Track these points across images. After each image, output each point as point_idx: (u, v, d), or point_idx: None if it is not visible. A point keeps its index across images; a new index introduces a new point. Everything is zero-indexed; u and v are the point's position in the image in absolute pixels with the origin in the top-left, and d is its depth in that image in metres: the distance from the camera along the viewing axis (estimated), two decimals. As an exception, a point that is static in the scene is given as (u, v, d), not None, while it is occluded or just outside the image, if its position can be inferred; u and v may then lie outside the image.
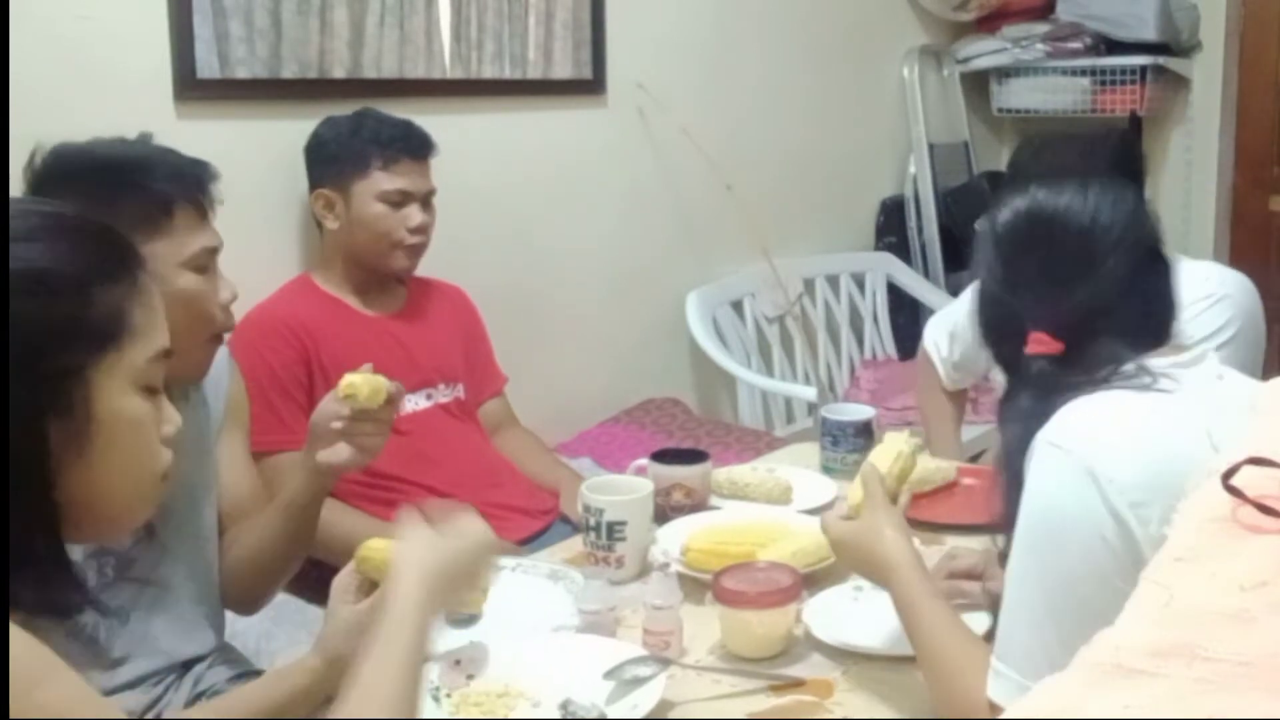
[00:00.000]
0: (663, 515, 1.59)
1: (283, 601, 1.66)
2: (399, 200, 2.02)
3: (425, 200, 2.06)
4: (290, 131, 2.09)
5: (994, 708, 0.99)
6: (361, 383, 1.30)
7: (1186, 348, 1.08)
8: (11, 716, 0.71)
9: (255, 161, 2.10)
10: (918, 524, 1.60)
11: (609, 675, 1.15)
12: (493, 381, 2.25)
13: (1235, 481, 0.72)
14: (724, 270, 3.01)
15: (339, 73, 2.22)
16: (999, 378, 2.01)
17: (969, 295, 2.10)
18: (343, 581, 1.18)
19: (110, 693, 1.30)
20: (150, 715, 1.34)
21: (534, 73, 2.54)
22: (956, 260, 3.56)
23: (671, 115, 2.74)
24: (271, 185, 2.12)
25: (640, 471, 1.63)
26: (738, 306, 3.05)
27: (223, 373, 1.50)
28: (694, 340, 2.89)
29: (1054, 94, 3.53)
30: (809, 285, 3.22)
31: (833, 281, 3.31)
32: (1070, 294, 1.05)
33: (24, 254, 0.82)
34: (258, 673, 1.48)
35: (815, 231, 3.33)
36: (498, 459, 2.14)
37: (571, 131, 2.66)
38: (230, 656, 1.51)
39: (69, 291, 0.83)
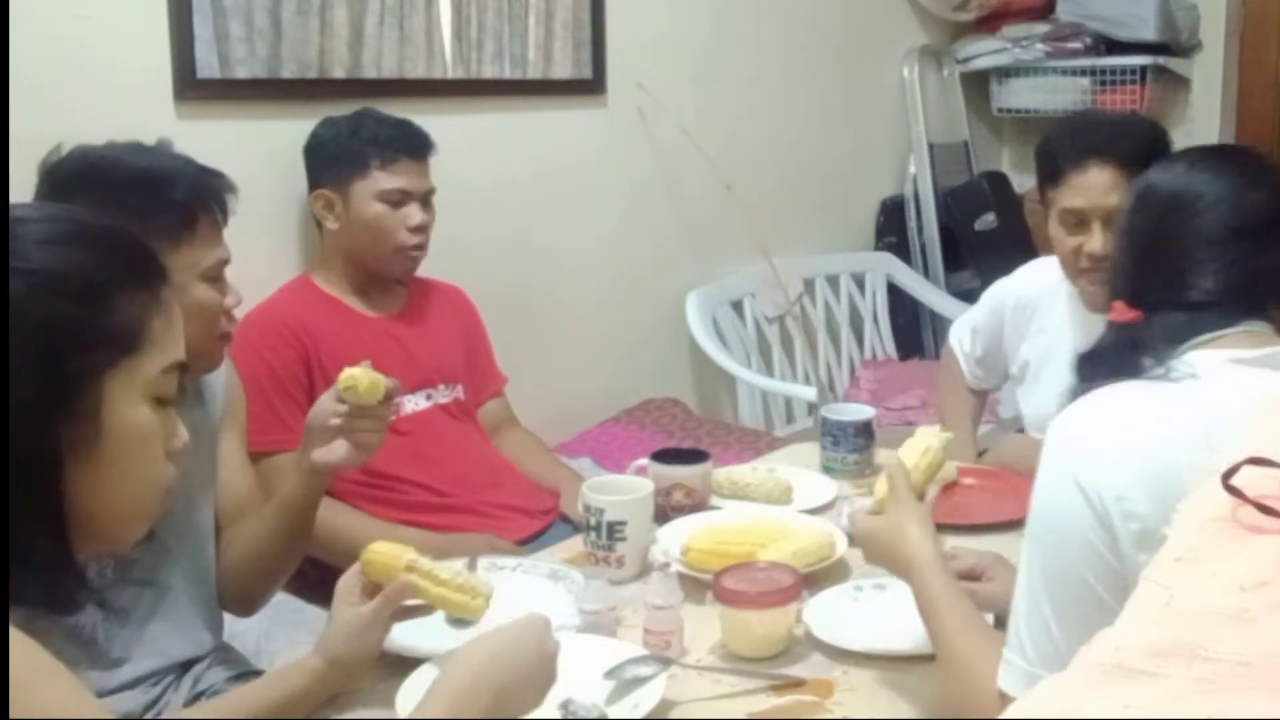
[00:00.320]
0: (663, 515, 1.59)
1: (282, 601, 1.66)
2: (398, 200, 2.01)
3: (425, 199, 2.06)
4: (290, 131, 2.09)
5: (1004, 697, 0.99)
6: (361, 375, 1.30)
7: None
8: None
9: (255, 161, 2.09)
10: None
11: (610, 675, 1.16)
12: (492, 382, 2.25)
13: (1235, 481, 0.72)
14: (724, 270, 3.01)
15: (339, 73, 2.22)
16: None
17: (990, 293, 2.11)
18: (347, 583, 1.18)
19: (109, 693, 1.31)
20: (150, 715, 1.34)
21: (534, 73, 2.54)
22: (956, 260, 3.57)
23: (671, 115, 2.74)
24: (271, 185, 2.12)
25: (641, 471, 1.64)
26: (738, 306, 3.05)
27: (221, 372, 1.50)
28: (694, 340, 2.89)
29: (1054, 94, 3.53)
30: (809, 285, 3.22)
31: (833, 281, 3.31)
32: (1147, 264, 1.05)
33: (48, 255, 0.83)
34: (257, 673, 1.48)
35: (815, 231, 3.33)
36: (498, 459, 2.14)
37: (571, 131, 2.66)
38: (229, 656, 1.51)
39: (90, 296, 0.84)
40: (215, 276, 1.35)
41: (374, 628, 1.16)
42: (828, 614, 1.32)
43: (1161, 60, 3.47)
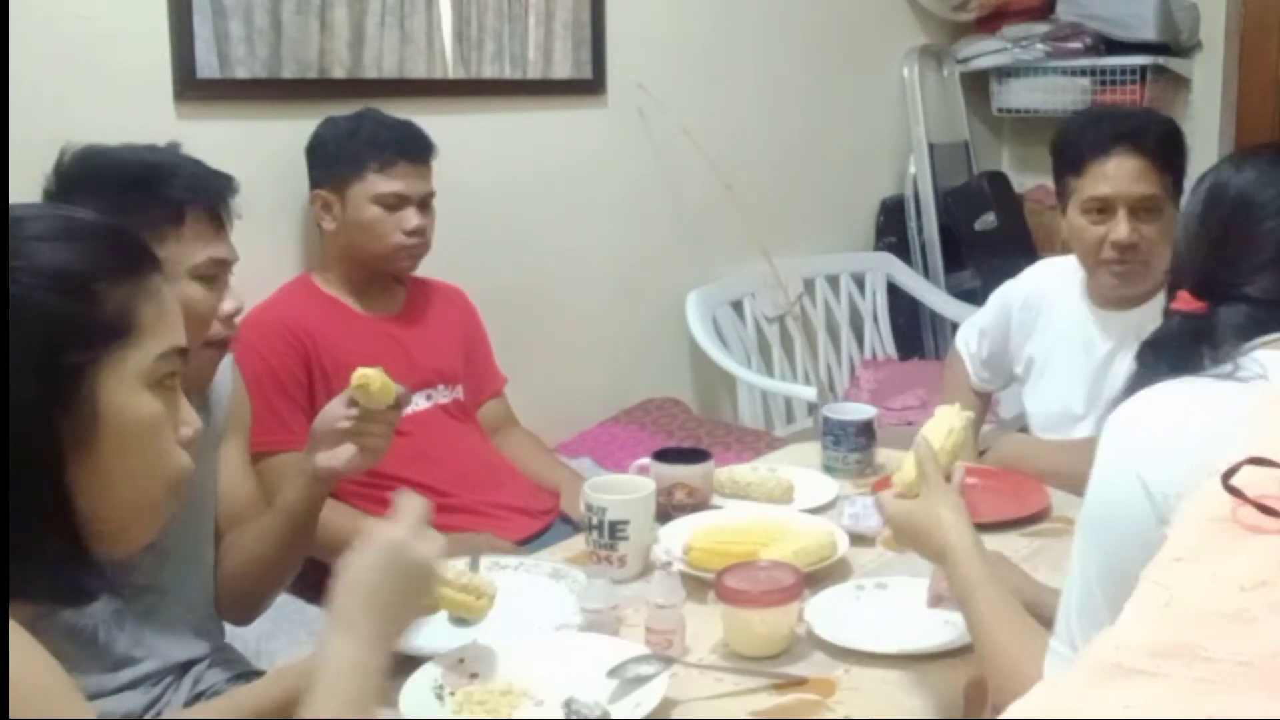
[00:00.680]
0: (665, 514, 1.59)
1: (283, 601, 1.66)
2: (394, 203, 2.01)
3: (423, 203, 2.05)
4: (290, 131, 2.09)
5: None
6: (374, 375, 1.31)
7: None
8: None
9: (255, 161, 2.09)
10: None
11: (612, 674, 1.16)
12: (492, 382, 2.25)
13: (1235, 481, 0.72)
14: (724, 270, 3.01)
15: (339, 73, 2.22)
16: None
17: (997, 295, 2.11)
18: None
19: (110, 693, 1.31)
20: (150, 715, 1.34)
21: (534, 73, 2.55)
22: (956, 260, 3.57)
23: (671, 115, 2.74)
24: (271, 185, 2.12)
25: (642, 471, 1.64)
26: (738, 306, 3.05)
27: (225, 377, 1.50)
28: (694, 340, 2.89)
29: (1054, 94, 3.54)
30: (809, 285, 3.22)
31: (833, 281, 3.31)
32: (1217, 257, 1.03)
33: (34, 252, 0.83)
34: (257, 673, 1.48)
35: (815, 231, 3.33)
36: (498, 459, 2.14)
37: (571, 131, 2.66)
38: (229, 657, 1.51)
39: (75, 289, 0.84)
40: (207, 276, 1.34)
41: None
42: (829, 613, 1.32)
43: (1161, 60, 3.47)
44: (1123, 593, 0.94)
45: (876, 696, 1.19)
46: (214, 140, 2.02)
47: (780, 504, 1.69)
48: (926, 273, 3.52)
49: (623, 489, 1.52)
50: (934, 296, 3.45)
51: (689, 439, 2.55)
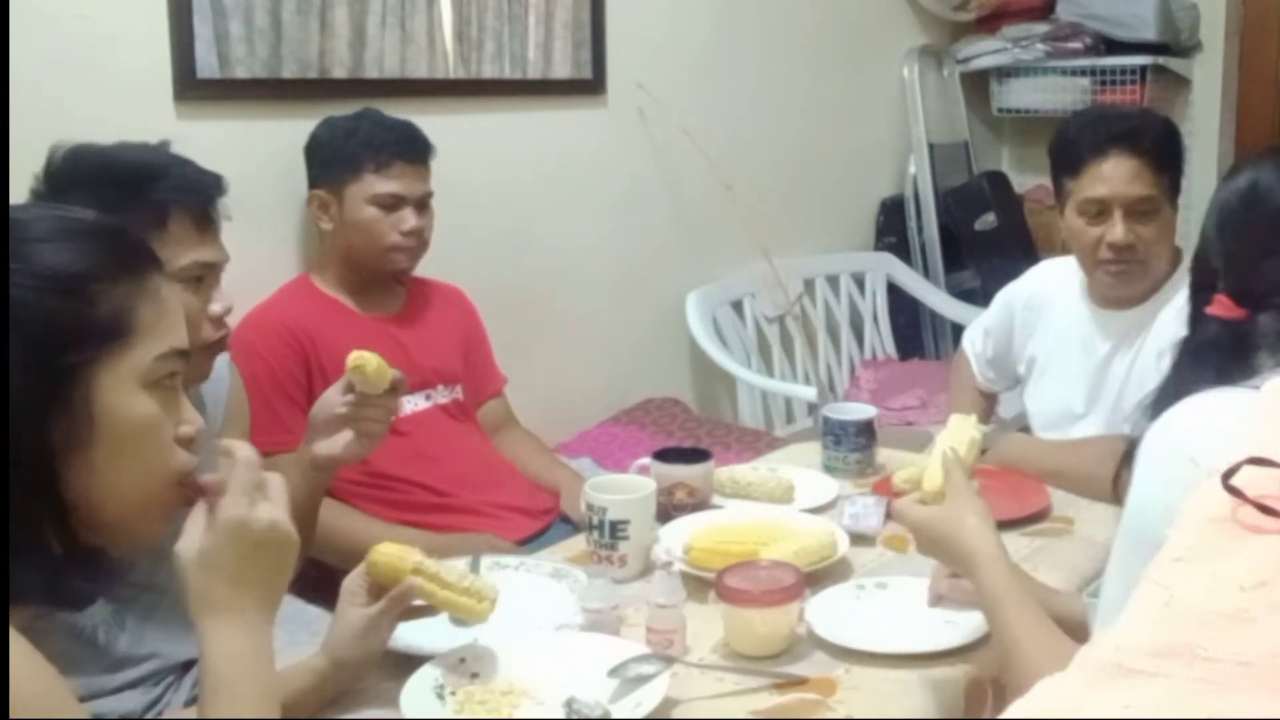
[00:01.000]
0: (665, 514, 1.60)
1: (283, 601, 1.66)
2: (391, 204, 2.01)
3: (420, 203, 2.05)
4: (290, 131, 2.09)
5: None
6: (370, 356, 1.30)
7: None
8: None
9: (255, 161, 2.10)
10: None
11: (613, 673, 1.16)
12: (492, 382, 2.25)
13: (1235, 481, 0.72)
14: (724, 270, 3.02)
15: (339, 73, 2.22)
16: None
17: (1001, 295, 2.12)
18: (352, 584, 1.18)
19: (111, 693, 1.31)
20: (150, 715, 1.34)
21: (534, 73, 2.55)
22: (956, 260, 3.57)
23: (671, 115, 2.74)
24: (271, 185, 2.12)
25: (643, 470, 1.64)
26: (738, 306, 3.05)
27: (222, 378, 1.49)
28: (694, 340, 2.89)
29: (1054, 94, 3.54)
30: (809, 285, 3.22)
31: (833, 281, 3.31)
32: (1262, 264, 1.01)
33: (31, 254, 0.83)
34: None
35: (815, 231, 3.33)
36: (498, 459, 2.14)
37: (571, 131, 2.66)
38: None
39: (72, 290, 0.84)
40: (193, 279, 1.33)
41: (379, 629, 1.17)
42: (830, 613, 1.32)
43: (1161, 60, 3.47)
44: None
45: (877, 696, 1.19)
46: (214, 140, 2.03)
47: (780, 504, 1.69)
48: (926, 273, 3.52)
49: (623, 489, 1.52)
50: (934, 296, 3.45)
51: (689, 439, 2.56)
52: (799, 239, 3.22)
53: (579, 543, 1.59)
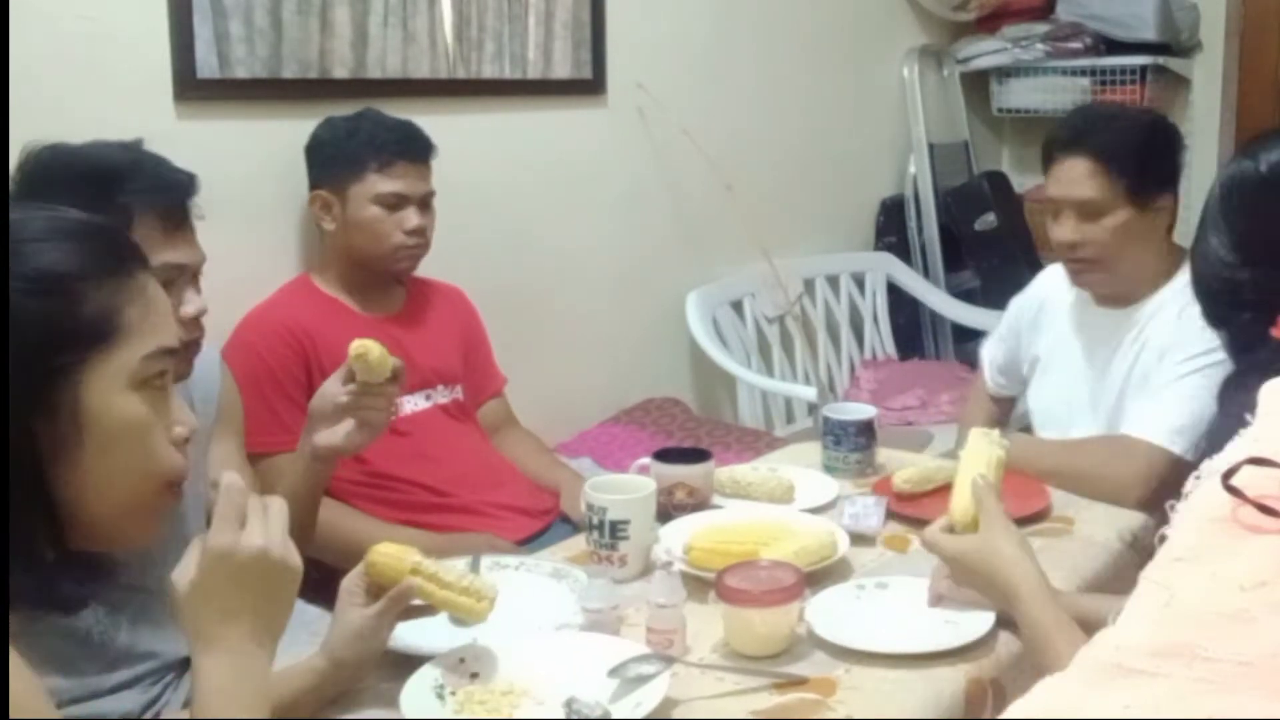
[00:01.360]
0: (665, 514, 1.59)
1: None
2: (394, 203, 2.01)
3: (423, 203, 2.05)
4: (290, 131, 2.09)
5: None
6: (372, 344, 1.30)
7: None
8: None
9: (255, 161, 2.10)
10: (918, 523, 1.61)
11: (613, 673, 1.16)
12: (492, 382, 2.25)
13: (1235, 481, 0.72)
14: (724, 270, 3.02)
15: (340, 72, 2.22)
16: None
17: (1012, 302, 2.12)
18: (351, 585, 1.18)
19: (108, 692, 1.30)
20: (149, 715, 1.34)
21: (534, 73, 2.55)
22: (956, 260, 3.57)
23: (671, 115, 2.74)
24: (271, 185, 2.12)
25: (643, 470, 1.64)
26: (738, 306, 3.05)
27: (212, 377, 1.49)
28: (694, 340, 2.89)
29: (1054, 94, 3.54)
30: (809, 285, 3.22)
31: (833, 281, 3.31)
32: None
33: (18, 254, 0.82)
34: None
35: (815, 231, 3.33)
36: (498, 459, 2.15)
37: (571, 131, 2.66)
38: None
39: (59, 292, 0.83)
40: (162, 282, 1.32)
41: (378, 629, 1.17)
42: (830, 613, 1.32)
43: (1161, 60, 3.47)
44: None
45: (877, 696, 1.19)
46: (214, 140, 2.03)
47: (781, 504, 1.69)
48: (926, 273, 3.52)
49: (623, 489, 1.52)
50: (934, 296, 3.45)
51: (689, 439, 2.56)
52: (799, 239, 3.22)
53: (579, 543, 1.59)
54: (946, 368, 3.32)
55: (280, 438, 1.89)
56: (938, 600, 1.34)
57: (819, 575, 1.42)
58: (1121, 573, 1.51)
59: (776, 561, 1.34)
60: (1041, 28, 3.57)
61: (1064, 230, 1.80)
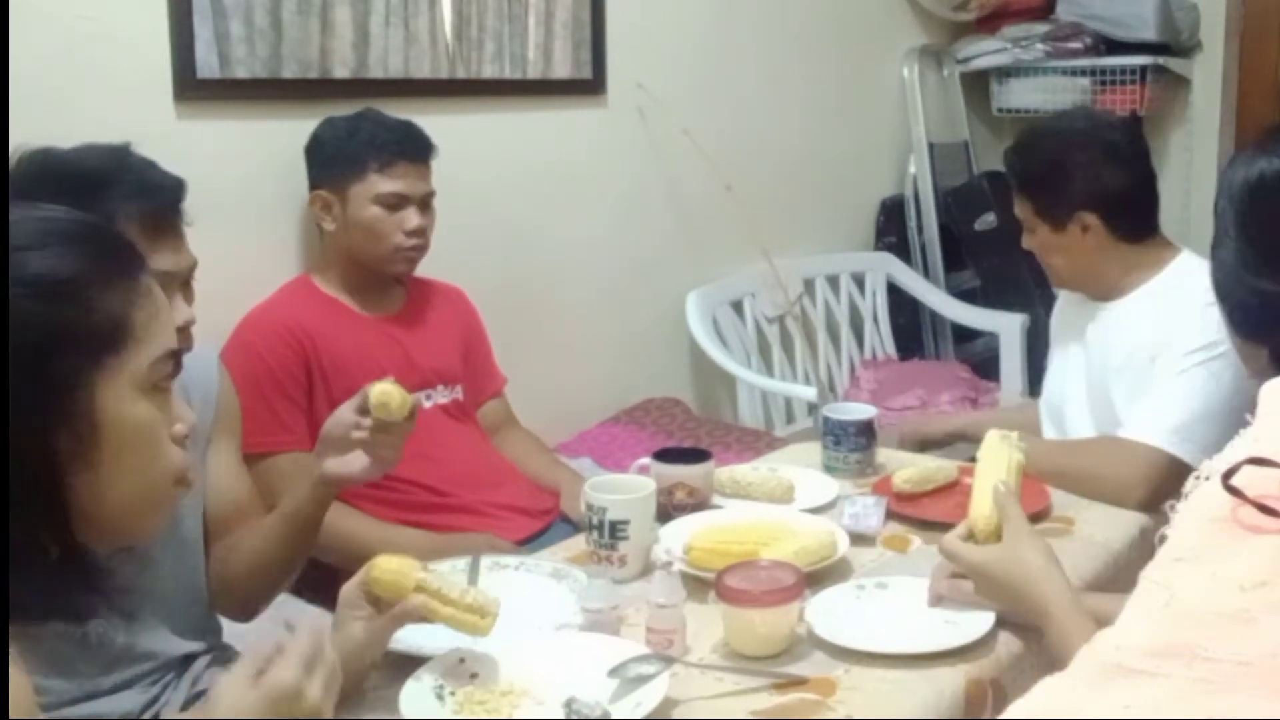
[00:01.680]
0: (665, 514, 1.59)
1: (282, 601, 1.66)
2: (395, 203, 2.01)
3: (423, 203, 2.05)
4: (290, 131, 2.09)
5: None
6: (393, 391, 1.28)
7: None
8: None
9: (255, 161, 2.10)
10: (918, 523, 1.61)
11: (613, 673, 1.16)
12: (492, 382, 2.25)
13: (1235, 481, 0.72)
14: (724, 270, 3.02)
15: (341, 72, 2.22)
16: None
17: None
18: (351, 596, 1.16)
19: (106, 693, 1.30)
20: (149, 715, 1.34)
21: (534, 73, 2.55)
22: (956, 260, 3.57)
23: (671, 115, 2.74)
24: (271, 185, 2.12)
25: (643, 470, 1.64)
26: (738, 306, 3.05)
27: (211, 380, 1.48)
28: (694, 340, 2.89)
29: (1054, 94, 3.54)
30: (809, 285, 3.22)
31: (833, 281, 3.31)
32: None
33: (21, 261, 0.81)
34: (258, 672, 1.48)
35: (815, 231, 3.33)
36: (498, 459, 2.14)
37: (571, 131, 2.66)
38: (230, 656, 1.50)
39: (69, 297, 0.82)
40: None
41: (381, 643, 1.17)
42: (830, 613, 1.32)
43: (1161, 60, 3.47)
44: None
45: (877, 696, 1.19)
46: (214, 140, 2.03)
47: (781, 504, 1.69)
48: (926, 273, 3.52)
49: (623, 489, 1.52)
50: (934, 296, 3.45)
51: (689, 439, 2.56)
52: (799, 239, 3.22)
53: (579, 543, 1.59)
54: (946, 368, 3.32)
55: (280, 438, 1.89)
56: (938, 600, 1.34)
57: (819, 575, 1.42)
58: (1121, 573, 1.51)
59: (776, 561, 1.34)
60: (1041, 28, 3.57)
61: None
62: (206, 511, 1.45)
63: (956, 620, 1.29)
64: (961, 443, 2.12)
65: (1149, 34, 3.42)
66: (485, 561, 1.46)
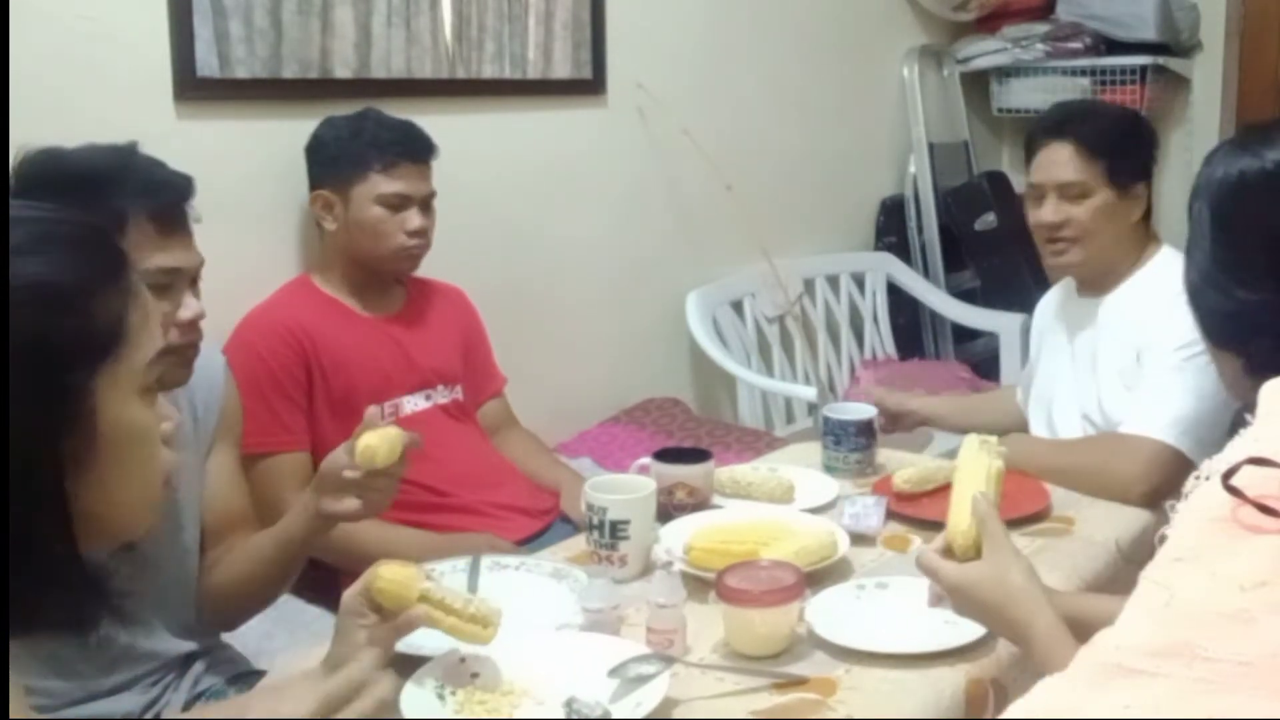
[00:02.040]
0: (665, 514, 1.59)
1: (283, 601, 1.66)
2: (397, 204, 2.01)
3: (425, 203, 2.05)
4: (290, 131, 2.09)
5: None
6: (379, 444, 1.27)
7: None
8: None
9: (255, 161, 2.10)
10: (918, 523, 1.61)
11: (613, 673, 1.16)
12: (492, 382, 2.25)
13: (1235, 481, 0.72)
14: (724, 270, 3.02)
15: (343, 72, 2.22)
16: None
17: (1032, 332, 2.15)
18: (353, 604, 1.15)
19: (105, 694, 1.31)
20: (149, 715, 1.34)
21: (534, 73, 2.55)
22: (956, 260, 3.57)
23: (671, 115, 2.74)
24: (271, 185, 2.12)
25: (643, 470, 1.64)
26: (738, 306, 3.05)
27: (216, 383, 1.48)
28: (694, 340, 2.90)
29: (1054, 94, 3.53)
30: (809, 285, 3.22)
31: (833, 281, 3.31)
32: None
33: (19, 265, 0.79)
34: (258, 673, 1.48)
35: (815, 231, 3.33)
36: (498, 459, 2.15)
37: (571, 131, 2.66)
38: (229, 656, 1.51)
39: (69, 304, 0.81)
40: (157, 285, 1.31)
41: (384, 651, 1.17)
42: (830, 613, 1.32)
43: (1161, 60, 3.47)
44: None
45: (877, 696, 1.19)
46: (214, 140, 2.03)
47: (781, 504, 1.69)
48: (926, 273, 3.52)
49: (623, 489, 1.52)
50: (934, 296, 3.46)
51: (689, 439, 2.56)
52: (799, 239, 3.22)
53: (579, 543, 1.59)
54: (946, 368, 3.33)
55: (280, 438, 1.89)
56: (938, 600, 1.33)
57: (819, 575, 1.42)
58: (1121, 573, 1.51)
59: (776, 561, 1.34)
60: (1041, 28, 3.57)
61: (1046, 212, 1.88)
62: (202, 517, 1.45)
63: (956, 620, 1.28)
64: (927, 427, 2.14)
65: (1149, 34, 3.42)
66: (485, 561, 1.46)
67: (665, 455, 1.68)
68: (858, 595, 1.39)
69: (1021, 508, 1.64)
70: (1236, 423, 0.79)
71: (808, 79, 3.24)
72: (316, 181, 2.06)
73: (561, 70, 2.60)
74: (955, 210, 3.54)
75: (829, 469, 1.83)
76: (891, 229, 3.53)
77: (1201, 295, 1.01)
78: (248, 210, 2.08)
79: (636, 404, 2.78)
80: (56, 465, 0.79)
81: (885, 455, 1.88)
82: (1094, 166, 1.86)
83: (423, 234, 2.04)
